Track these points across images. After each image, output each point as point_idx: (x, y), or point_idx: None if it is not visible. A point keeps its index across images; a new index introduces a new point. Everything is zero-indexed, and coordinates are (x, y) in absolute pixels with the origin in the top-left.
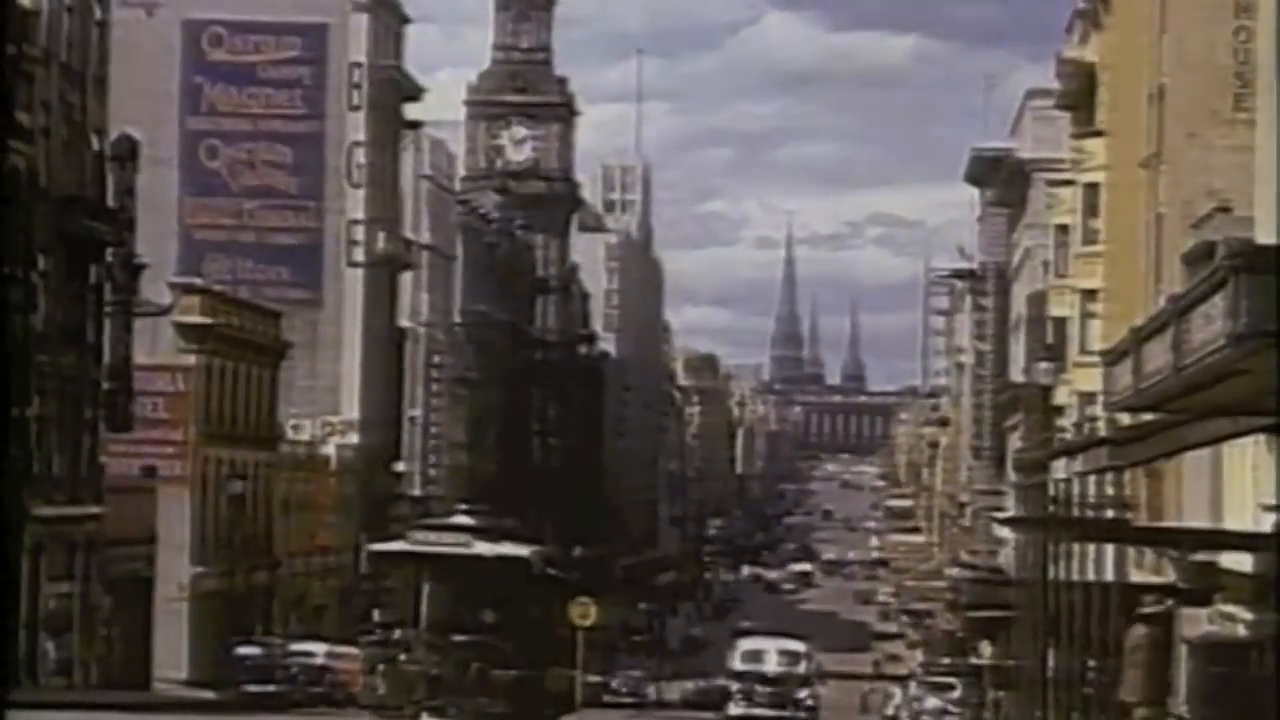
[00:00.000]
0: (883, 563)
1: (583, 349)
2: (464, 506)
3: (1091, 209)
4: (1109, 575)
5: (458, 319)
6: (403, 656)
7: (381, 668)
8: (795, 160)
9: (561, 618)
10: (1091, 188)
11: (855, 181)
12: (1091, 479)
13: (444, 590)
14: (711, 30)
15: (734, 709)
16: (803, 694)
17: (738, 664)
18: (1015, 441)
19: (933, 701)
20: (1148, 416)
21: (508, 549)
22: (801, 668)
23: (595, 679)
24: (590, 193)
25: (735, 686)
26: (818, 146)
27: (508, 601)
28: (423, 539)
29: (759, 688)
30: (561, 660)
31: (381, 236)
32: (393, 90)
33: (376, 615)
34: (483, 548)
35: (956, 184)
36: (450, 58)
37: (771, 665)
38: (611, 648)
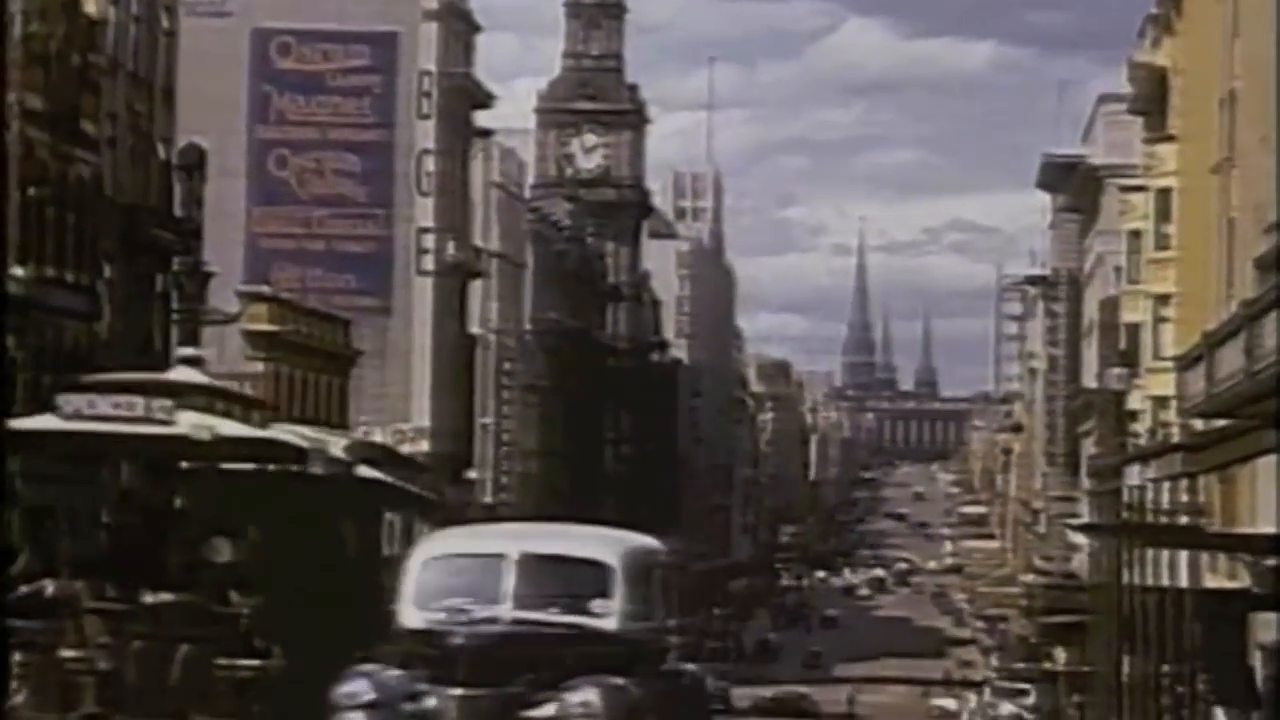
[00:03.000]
0: (957, 569)
1: (654, 356)
2: (188, 352)
3: (1163, 214)
4: (1183, 581)
5: (528, 326)
6: (55, 635)
7: (19, 657)
8: (872, 167)
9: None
10: (1164, 193)
11: (933, 188)
12: (1165, 485)
13: (130, 506)
14: (789, 37)
15: None
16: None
17: (409, 608)
18: (1089, 447)
19: (1008, 707)
20: (1221, 421)
21: (268, 432)
22: (610, 610)
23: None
24: (661, 200)
25: (355, 687)
26: (895, 153)
27: (262, 528)
28: (85, 406)
29: (437, 676)
30: None
31: (451, 244)
32: (463, 98)
33: (22, 558)
34: (190, 420)
35: (1033, 190)
36: (527, 66)
37: (505, 607)
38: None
